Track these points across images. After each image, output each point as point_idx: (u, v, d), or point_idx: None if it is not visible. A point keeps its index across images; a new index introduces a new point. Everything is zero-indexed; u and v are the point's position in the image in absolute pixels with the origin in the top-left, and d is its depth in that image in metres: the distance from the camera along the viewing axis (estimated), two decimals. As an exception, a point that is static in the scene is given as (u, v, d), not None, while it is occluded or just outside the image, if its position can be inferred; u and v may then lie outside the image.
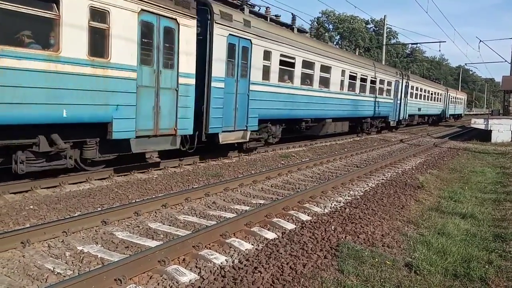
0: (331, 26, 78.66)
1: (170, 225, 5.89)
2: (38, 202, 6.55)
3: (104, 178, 8.46)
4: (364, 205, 7.13)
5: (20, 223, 5.60)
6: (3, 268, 4.27)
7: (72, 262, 4.46)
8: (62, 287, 3.48)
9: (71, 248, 4.83)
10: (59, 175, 7.92)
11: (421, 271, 4.47)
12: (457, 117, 53.86)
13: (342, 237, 5.44)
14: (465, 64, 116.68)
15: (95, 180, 8.24)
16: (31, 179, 7.44)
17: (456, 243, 5.40)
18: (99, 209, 6.34)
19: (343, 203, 7.42)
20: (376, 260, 4.72)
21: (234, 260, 4.68)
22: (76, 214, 6.02)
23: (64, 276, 4.11)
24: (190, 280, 4.12)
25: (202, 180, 9.01)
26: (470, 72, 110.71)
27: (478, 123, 23.19)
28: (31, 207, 6.29)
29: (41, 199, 6.75)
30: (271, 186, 8.83)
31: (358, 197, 7.89)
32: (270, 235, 5.57)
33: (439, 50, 64.36)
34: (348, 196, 8.02)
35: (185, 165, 10.52)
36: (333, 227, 5.84)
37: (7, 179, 7.16)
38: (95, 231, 5.44)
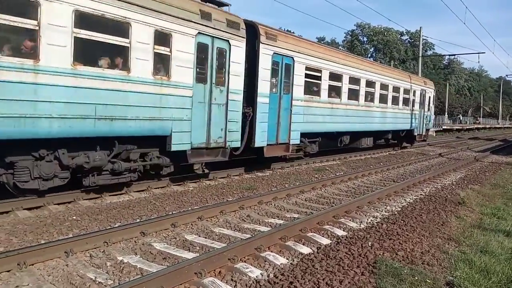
0: (365, 39, 78.04)
1: (205, 237, 5.97)
2: (80, 213, 6.83)
3: (142, 190, 8.71)
4: (402, 221, 6.95)
5: (63, 233, 5.84)
6: (49, 276, 4.46)
7: (113, 272, 4.60)
8: (104, 296, 3.60)
9: (111, 258, 4.99)
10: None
11: (464, 291, 4.29)
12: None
13: (379, 254, 5.31)
14: (506, 75, 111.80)
15: (134, 192, 8.49)
16: (73, 191, 7.78)
17: (500, 262, 5.16)
18: (138, 220, 6.53)
19: (380, 218, 7.26)
20: (416, 278, 4.58)
21: (269, 274, 4.67)
22: (117, 225, 6.22)
23: (105, 286, 4.25)
24: (226, 293, 4.14)
25: (236, 193, 9.08)
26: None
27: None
28: (74, 217, 6.55)
29: (84, 210, 7.03)
30: (305, 200, 8.78)
31: (396, 212, 7.70)
32: (305, 249, 5.53)
33: (478, 62, 61.76)
34: (385, 211, 7.84)
35: (219, 178, 10.64)
36: (370, 243, 5.72)
37: (55, 190, 7.46)
38: (134, 242, 5.60)
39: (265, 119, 11.09)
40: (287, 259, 5.19)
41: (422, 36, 38.63)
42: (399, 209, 8.01)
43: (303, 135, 12.84)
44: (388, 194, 9.28)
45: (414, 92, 21.42)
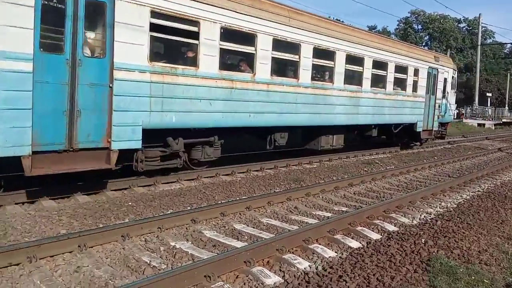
0: (420, 27, 74.59)
1: (253, 227, 6.04)
2: (135, 199, 7.14)
3: (192, 179, 8.95)
4: (458, 218, 6.63)
5: (120, 218, 6.15)
6: (107, 258, 4.72)
7: (166, 257, 4.79)
8: (159, 280, 3.75)
9: (165, 244, 5.19)
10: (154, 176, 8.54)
11: (527, 295, 4.04)
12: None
13: (433, 251, 5.11)
14: None
15: (185, 180, 8.75)
16: (129, 178, 8.15)
17: None
18: (189, 208, 6.73)
19: (434, 215, 6.98)
20: (473, 278, 4.37)
21: (317, 267, 4.65)
22: (169, 212, 6.45)
23: (159, 270, 4.43)
24: (275, 283, 4.18)
25: (283, 185, 9.09)
26: None
27: None
28: (130, 203, 6.87)
29: (138, 196, 7.35)
30: (354, 193, 8.62)
31: (451, 209, 7.36)
32: (355, 243, 5.44)
33: (545, 49, 56.87)
34: (439, 207, 7.53)
35: (266, 169, 10.70)
36: (423, 240, 5.51)
37: (112, 177, 7.87)
38: (186, 228, 5.78)
39: None
40: (335, 252, 5.14)
41: (481, 23, 36.30)
42: (455, 205, 7.65)
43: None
44: (442, 189, 8.88)
45: (416, 71, 15.23)
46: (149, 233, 5.45)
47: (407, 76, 14.82)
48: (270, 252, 4.83)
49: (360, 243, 5.48)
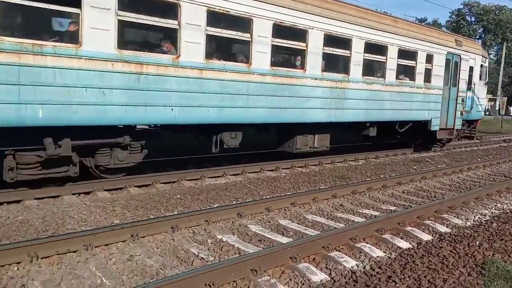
0: (473, 19, 70.74)
1: (299, 224, 6.02)
2: (183, 192, 7.35)
3: (237, 174, 9.05)
4: (516, 221, 6.26)
5: (169, 209, 6.35)
6: (157, 248, 4.89)
7: (213, 249, 4.89)
8: (208, 271, 3.84)
9: (212, 236, 5.30)
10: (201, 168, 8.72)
11: None
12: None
13: (489, 255, 4.86)
14: None
15: (230, 175, 8.87)
16: (178, 171, 8.39)
17: None
18: (235, 202, 6.82)
19: (489, 216, 6.63)
20: (534, 285, 4.11)
21: (365, 266, 4.56)
22: (215, 206, 6.58)
23: (206, 261, 4.53)
24: (321, 280, 4.15)
25: (328, 181, 8.99)
26: None
27: None
28: (178, 196, 7.08)
29: (186, 189, 7.55)
30: (403, 192, 8.35)
31: (508, 211, 6.96)
32: (404, 244, 5.28)
33: None
34: (495, 209, 7.14)
35: (311, 165, 10.61)
36: (477, 242, 5.26)
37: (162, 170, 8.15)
38: (232, 222, 5.87)
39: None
40: (384, 252, 5.01)
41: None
42: (512, 207, 7.23)
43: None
44: (498, 190, 8.40)
45: (429, 57, 12.66)
46: (197, 225, 5.59)
47: (416, 63, 12.28)
48: (316, 249, 4.79)
49: (410, 243, 5.30)
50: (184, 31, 7.17)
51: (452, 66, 13.73)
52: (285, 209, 6.66)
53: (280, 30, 8.57)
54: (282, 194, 7.53)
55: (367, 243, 5.23)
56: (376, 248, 5.10)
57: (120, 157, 7.22)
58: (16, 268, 4.13)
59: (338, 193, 7.63)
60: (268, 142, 10.93)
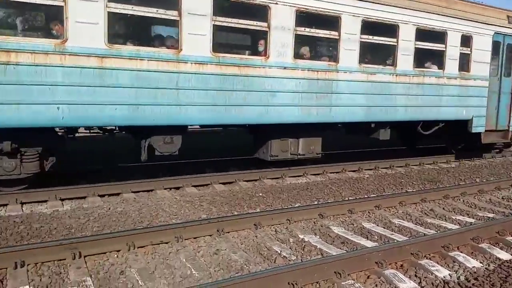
0: None
1: (384, 228, 5.78)
2: (265, 190, 7.47)
3: (318, 174, 8.97)
4: None
5: (252, 207, 6.50)
6: (241, 244, 5.04)
7: (295, 249, 4.90)
8: (291, 270, 3.86)
9: (294, 236, 5.32)
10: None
11: None
12: None
13: None
14: None
15: (311, 175, 8.82)
16: (259, 170, 8.56)
17: None
18: (316, 202, 6.77)
19: None
20: None
21: (459, 276, 4.24)
22: (297, 205, 6.59)
23: (289, 260, 4.56)
24: (410, 289, 3.95)
25: (416, 184, 8.51)
26: None
27: None
28: (260, 194, 7.22)
29: (268, 188, 7.67)
30: (502, 198, 7.61)
31: None
32: (504, 255, 4.81)
33: None
34: None
35: (396, 166, 10.13)
36: None
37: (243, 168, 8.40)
38: (313, 222, 5.83)
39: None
40: (481, 263, 4.61)
41: None
42: None
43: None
44: None
45: (466, 38, 10.01)
46: (279, 224, 5.65)
47: (445, 47, 9.66)
48: (404, 255, 4.56)
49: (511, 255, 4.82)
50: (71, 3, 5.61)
51: (504, 51, 10.97)
52: (369, 212, 6.45)
53: (224, 6, 6.70)
54: (366, 196, 7.30)
55: (461, 252, 4.86)
56: (472, 258, 4.71)
57: (7, 167, 5.94)
58: (116, 255, 4.53)
59: (428, 197, 7.19)
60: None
